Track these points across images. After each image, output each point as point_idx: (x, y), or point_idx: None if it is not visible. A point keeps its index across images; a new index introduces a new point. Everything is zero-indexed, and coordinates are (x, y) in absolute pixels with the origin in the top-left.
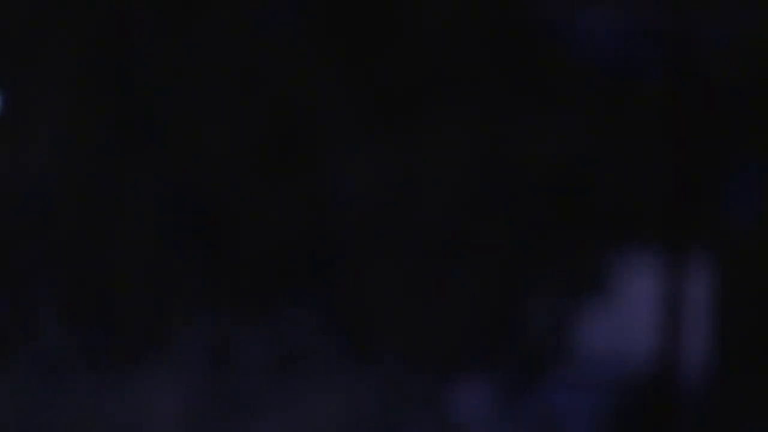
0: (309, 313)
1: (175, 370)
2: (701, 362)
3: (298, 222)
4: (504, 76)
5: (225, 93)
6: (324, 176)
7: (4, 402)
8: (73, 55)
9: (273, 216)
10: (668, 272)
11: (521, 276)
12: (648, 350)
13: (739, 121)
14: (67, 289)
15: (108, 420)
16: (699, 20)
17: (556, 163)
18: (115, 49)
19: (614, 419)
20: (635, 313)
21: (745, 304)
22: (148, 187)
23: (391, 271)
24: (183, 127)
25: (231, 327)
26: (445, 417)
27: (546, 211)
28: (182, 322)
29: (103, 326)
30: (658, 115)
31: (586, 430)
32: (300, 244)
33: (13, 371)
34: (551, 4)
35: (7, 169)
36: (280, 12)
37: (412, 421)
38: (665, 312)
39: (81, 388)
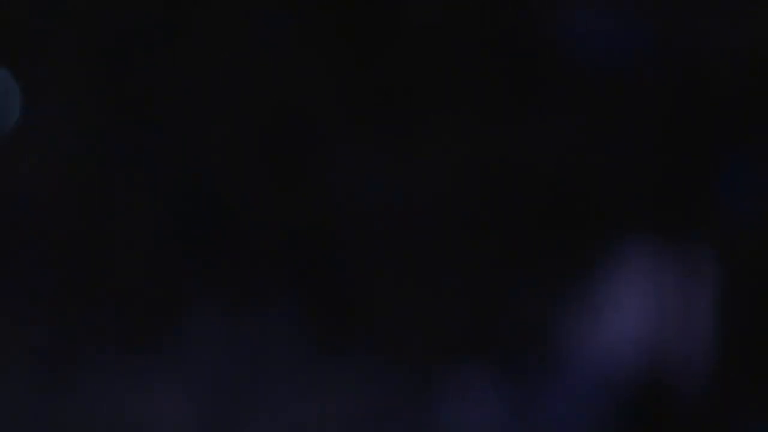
0: (302, 309)
1: (175, 366)
2: (700, 361)
3: (297, 221)
4: (500, 76)
5: (225, 92)
6: (323, 176)
7: (4, 400)
8: (77, 55)
9: (273, 215)
10: (667, 271)
11: (516, 275)
12: (645, 349)
13: (739, 117)
14: (70, 286)
15: (113, 418)
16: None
17: (552, 161)
18: (116, 49)
19: (610, 420)
20: (631, 312)
21: (746, 304)
22: (150, 183)
23: (386, 271)
24: (183, 126)
25: (229, 323)
26: (433, 417)
27: (542, 210)
28: (181, 318)
29: (105, 322)
30: (656, 112)
31: (580, 431)
32: (299, 244)
33: (13, 369)
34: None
35: (12, 169)
36: (279, 11)
37: (400, 420)
38: (663, 311)
39: (84, 385)
